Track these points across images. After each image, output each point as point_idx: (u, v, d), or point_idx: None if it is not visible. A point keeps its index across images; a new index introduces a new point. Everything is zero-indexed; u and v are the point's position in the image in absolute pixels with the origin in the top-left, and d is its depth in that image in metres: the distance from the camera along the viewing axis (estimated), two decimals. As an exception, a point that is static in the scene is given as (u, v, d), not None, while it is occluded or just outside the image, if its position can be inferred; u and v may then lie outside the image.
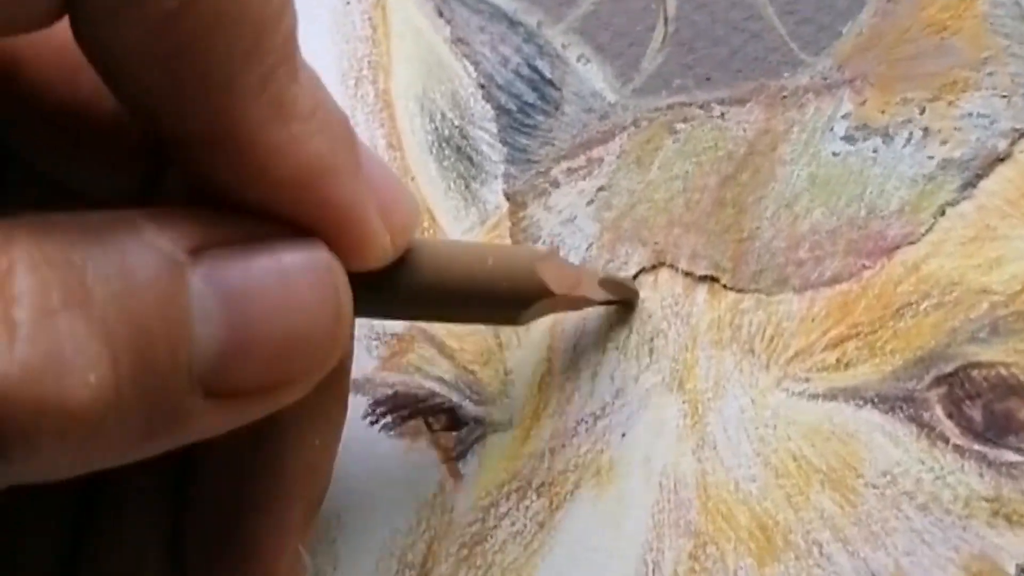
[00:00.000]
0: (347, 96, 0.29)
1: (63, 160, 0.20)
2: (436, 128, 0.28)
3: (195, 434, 0.16)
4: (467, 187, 0.27)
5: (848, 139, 0.25)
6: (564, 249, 0.26)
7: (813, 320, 0.24)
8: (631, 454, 0.24)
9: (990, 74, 0.25)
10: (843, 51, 0.26)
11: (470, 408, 0.26)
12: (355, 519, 0.26)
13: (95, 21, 0.16)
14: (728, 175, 0.25)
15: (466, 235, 0.27)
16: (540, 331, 0.25)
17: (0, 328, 0.14)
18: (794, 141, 0.25)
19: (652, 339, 0.25)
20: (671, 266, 0.25)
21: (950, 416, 0.23)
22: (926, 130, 0.25)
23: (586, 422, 0.25)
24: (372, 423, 0.26)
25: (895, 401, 0.23)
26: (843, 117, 0.25)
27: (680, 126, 0.26)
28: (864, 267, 0.24)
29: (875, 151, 0.25)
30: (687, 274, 0.25)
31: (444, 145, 0.28)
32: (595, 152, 0.27)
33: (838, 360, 0.24)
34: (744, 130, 0.26)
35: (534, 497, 0.25)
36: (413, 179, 0.28)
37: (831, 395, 0.23)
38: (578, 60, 0.27)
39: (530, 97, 0.27)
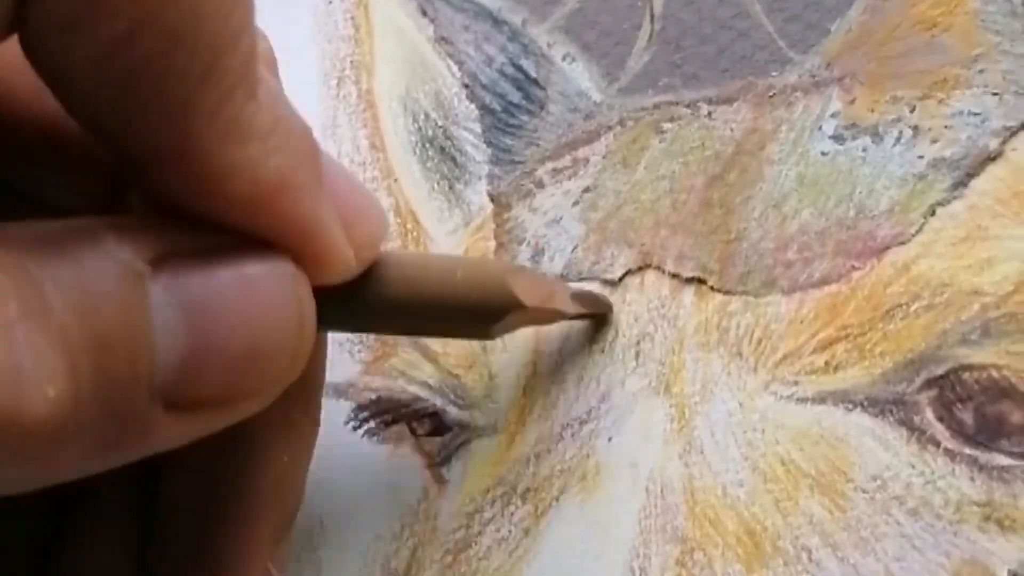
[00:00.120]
0: (329, 96, 0.28)
1: (29, 171, 0.20)
2: (420, 128, 0.28)
3: (156, 446, 0.16)
4: (451, 188, 0.27)
5: (837, 138, 0.25)
6: (549, 251, 0.26)
7: (802, 322, 0.24)
8: (617, 459, 0.24)
9: (981, 71, 0.24)
10: (832, 49, 0.25)
11: (454, 413, 0.25)
12: (338, 525, 0.25)
13: (44, 42, 0.15)
14: (715, 175, 0.25)
15: (450, 236, 0.27)
16: (525, 335, 0.25)
17: None
18: (782, 140, 0.25)
19: (638, 342, 0.24)
20: (658, 268, 0.25)
21: (941, 419, 0.22)
22: (916, 129, 0.24)
23: (572, 427, 0.24)
24: (355, 428, 0.26)
25: (885, 404, 0.23)
26: (832, 116, 0.25)
27: (667, 125, 0.26)
28: (853, 268, 0.24)
29: (864, 150, 0.24)
30: (674, 276, 0.25)
31: (428, 146, 0.27)
32: (581, 152, 0.26)
33: (827, 363, 0.23)
34: (732, 129, 0.25)
35: (519, 503, 0.24)
36: (396, 180, 0.27)
37: (820, 398, 0.23)
38: (563, 59, 0.27)
39: (515, 97, 0.27)
